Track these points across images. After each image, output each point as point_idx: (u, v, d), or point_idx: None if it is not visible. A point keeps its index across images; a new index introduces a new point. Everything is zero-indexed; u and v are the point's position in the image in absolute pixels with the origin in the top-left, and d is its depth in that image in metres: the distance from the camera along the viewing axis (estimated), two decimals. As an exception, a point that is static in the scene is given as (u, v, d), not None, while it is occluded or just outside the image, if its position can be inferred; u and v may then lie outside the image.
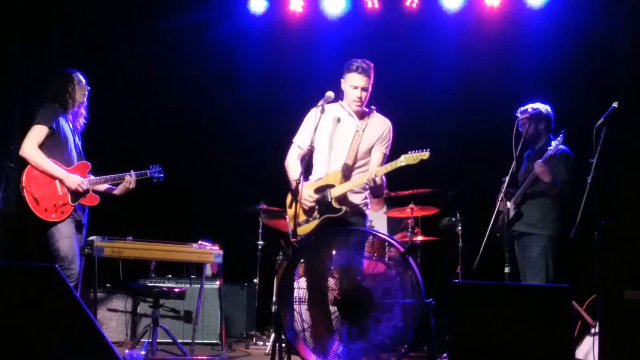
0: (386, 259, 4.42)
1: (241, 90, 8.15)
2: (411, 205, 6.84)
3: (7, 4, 7.06)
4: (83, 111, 5.68)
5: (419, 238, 6.93)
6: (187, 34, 8.01)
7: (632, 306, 3.51)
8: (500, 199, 5.69)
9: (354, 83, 5.04)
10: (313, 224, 4.96)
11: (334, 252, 4.52)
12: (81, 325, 3.40)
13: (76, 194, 5.45)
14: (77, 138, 5.64)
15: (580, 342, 5.30)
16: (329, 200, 4.94)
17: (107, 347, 3.39)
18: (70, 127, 5.58)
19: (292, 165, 5.14)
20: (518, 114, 5.87)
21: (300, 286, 4.54)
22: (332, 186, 4.95)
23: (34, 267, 3.55)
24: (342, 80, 5.11)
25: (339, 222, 4.94)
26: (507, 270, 5.40)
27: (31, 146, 5.36)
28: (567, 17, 7.37)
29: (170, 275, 7.28)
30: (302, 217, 4.83)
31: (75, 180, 5.43)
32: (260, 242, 7.28)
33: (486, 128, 7.26)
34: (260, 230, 7.28)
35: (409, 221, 6.89)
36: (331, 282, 4.49)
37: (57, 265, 3.53)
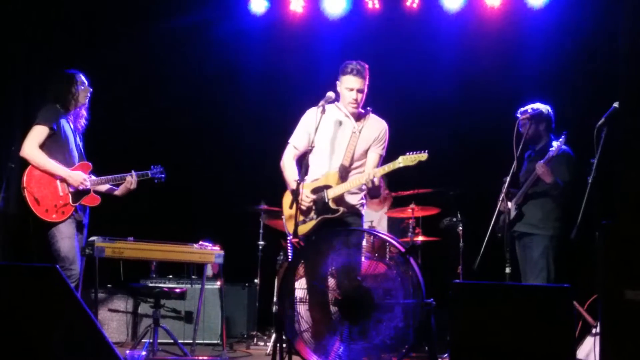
0: (387, 259, 4.42)
1: (242, 91, 8.15)
2: (412, 206, 6.84)
3: (8, 4, 7.06)
4: (84, 112, 5.68)
5: (420, 238, 6.94)
6: (188, 34, 8.01)
7: (633, 306, 3.51)
8: (501, 199, 5.69)
9: (350, 85, 5.05)
10: (310, 224, 4.98)
11: (334, 252, 4.51)
12: (82, 326, 3.40)
13: (77, 195, 5.45)
14: (78, 139, 5.64)
15: (581, 342, 5.30)
16: (326, 200, 4.95)
17: (108, 347, 3.39)
18: (72, 127, 5.58)
19: (289, 166, 5.15)
20: (518, 115, 5.86)
21: (301, 286, 4.54)
22: (329, 187, 4.97)
23: (35, 267, 3.55)
24: (337, 82, 5.12)
25: (336, 222, 4.95)
26: (508, 270, 5.40)
27: (32, 146, 5.36)
28: (568, 17, 7.37)
29: (171, 276, 7.29)
30: (299, 218, 4.83)
31: (78, 177, 5.42)
32: (261, 243, 7.29)
33: (487, 128, 7.26)
34: (261, 231, 7.29)
35: (410, 221, 6.89)
36: (332, 282, 4.49)
37: (57, 266, 3.53)
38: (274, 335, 6.26)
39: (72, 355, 3.38)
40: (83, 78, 5.64)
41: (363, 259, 4.59)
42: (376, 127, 5.16)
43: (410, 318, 4.26)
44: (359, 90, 5.06)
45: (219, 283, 7.03)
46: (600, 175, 4.85)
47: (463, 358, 3.87)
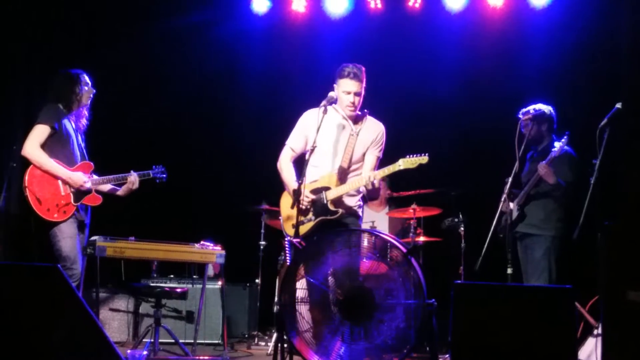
0: (388, 259, 4.41)
1: (243, 90, 8.15)
2: (413, 206, 6.84)
3: (8, 4, 7.06)
4: (85, 112, 5.68)
5: (422, 239, 6.93)
6: (189, 34, 8.01)
7: (635, 307, 3.51)
8: (503, 199, 5.68)
9: (347, 89, 5.06)
10: (309, 225, 5.01)
11: (335, 252, 4.51)
12: (83, 325, 3.40)
13: (79, 194, 5.44)
14: (80, 138, 5.64)
15: (582, 343, 5.28)
16: (325, 202, 4.97)
17: (109, 347, 3.39)
18: (73, 127, 5.58)
19: (286, 168, 5.19)
20: (520, 115, 5.86)
21: (302, 286, 4.54)
22: (327, 188, 4.99)
23: (36, 267, 3.55)
24: (334, 85, 5.13)
25: (335, 224, 4.98)
26: (509, 271, 5.39)
27: (33, 146, 5.35)
28: (570, 17, 7.36)
29: (172, 276, 7.28)
30: (298, 219, 4.84)
31: (78, 179, 5.42)
32: (262, 243, 7.29)
33: (489, 128, 7.25)
34: (262, 231, 7.29)
35: (412, 222, 6.89)
36: (333, 282, 4.49)
37: (59, 265, 3.53)
38: (275, 335, 6.26)
39: (73, 355, 3.38)
40: (87, 79, 5.64)
41: (364, 259, 4.58)
42: (374, 130, 5.18)
43: (412, 318, 4.26)
44: (357, 94, 5.08)
45: (220, 283, 7.02)
46: (602, 176, 4.84)
47: (464, 358, 3.87)
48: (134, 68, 7.85)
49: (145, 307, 6.92)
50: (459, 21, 7.82)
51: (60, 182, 5.39)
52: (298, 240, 4.63)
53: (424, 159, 4.82)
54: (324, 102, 4.94)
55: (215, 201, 8.00)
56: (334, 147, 5.08)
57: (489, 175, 6.33)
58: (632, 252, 3.61)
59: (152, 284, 6.86)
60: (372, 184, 4.90)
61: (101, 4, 7.74)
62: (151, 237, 5.97)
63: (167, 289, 6.25)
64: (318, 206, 5.00)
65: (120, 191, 5.74)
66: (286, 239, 5.24)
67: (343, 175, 5.06)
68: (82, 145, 5.66)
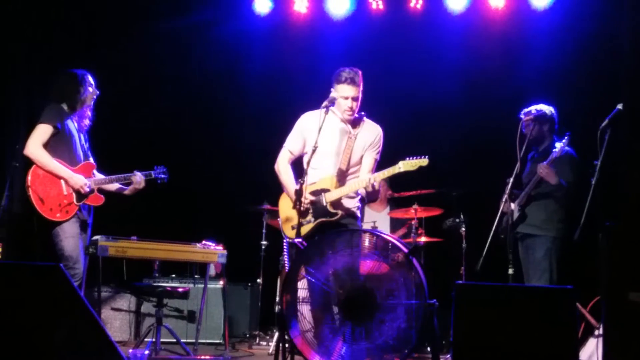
0: (390, 259, 4.41)
1: (245, 90, 8.16)
2: (415, 206, 6.84)
3: (9, 4, 7.07)
4: (89, 113, 5.68)
5: (423, 239, 6.93)
6: (191, 34, 8.02)
7: (636, 308, 3.51)
8: (504, 200, 5.69)
9: (345, 94, 5.09)
10: (308, 227, 5.04)
11: (337, 252, 4.52)
12: (85, 325, 3.40)
13: (81, 194, 5.45)
14: (83, 138, 5.65)
15: (583, 344, 5.29)
16: (324, 204, 4.99)
17: (111, 346, 3.40)
18: (76, 126, 5.58)
19: (284, 170, 5.23)
20: (522, 116, 5.87)
21: (304, 286, 4.54)
22: (327, 190, 5.02)
23: (39, 266, 3.56)
24: (332, 89, 5.15)
25: (334, 225, 5.02)
26: (510, 271, 5.40)
27: (35, 145, 5.36)
28: (572, 18, 7.36)
29: (174, 275, 7.30)
30: (296, 221, 4.86)
31: (79, 180, 5.43)
32: (264, 242, 7.30)
33: (490, 129, 7.25)
34: (263, 231, 7.30)
35: (413, 222, 6.89)
36: (334, 282, 4.49)
37: (61, 265, 3.54)
38: (276, 335, 6.27)
39: (75, 354, 3.38)
40: (91, 79, 5.65)
41: (366, 259, 4.59)
42: (371, 132, 5.22)
43: (413, 319, 4.26)
44: (354, 98, 5.11)
45: (221, 282, 7.03)
46: (603, 177, 4.84)
47: (466, 359, 3.87)
48: (135, 68, 7.85)
49: (147, 307, 6.93)
50: (461, 22, 7.82)
51: (62, 181, 5.40)
52: (300, 240, 4.64)
53: (424, 161, 4.84)
54: (325, 103, 4.98)
55: (216, 201, 8.01)
56: (332, 149, 5.12)
57: (490, 176, 6.33)
58: (634, 253, 3.62)
59: (153, 284, 6.85)
60: (372, 186, 4.93)
61: (102, 4, 7.75)
62: (153, 237, 5.97)
63: (168, 288, 6.26)
64: (317, 208, 5.03)
65: (127, 191, 5.77)
66: (285, 240, 5.26)
67: (342, 177, 5.10)
68: (85, 145, 5.67)
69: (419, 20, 7.97)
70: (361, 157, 5.17)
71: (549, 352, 3.78)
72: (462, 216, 6.90)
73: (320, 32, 8.14)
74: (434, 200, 6.99)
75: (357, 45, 7.88)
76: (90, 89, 5.63)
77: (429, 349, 6.22)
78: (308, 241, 4.78)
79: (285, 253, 5.36)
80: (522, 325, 3.84)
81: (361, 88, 5.13)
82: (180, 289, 6.24)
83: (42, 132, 5.38)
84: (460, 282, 6.17)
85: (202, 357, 6.09)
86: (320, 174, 5.10)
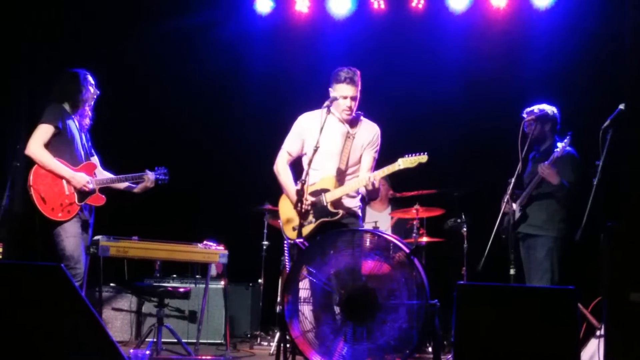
0: (391, 260, 4.41)
1: (246, 90, 8.15)
2: (416, 207, 6.84)
3: (12, 5, 7.07)
4: (89, 112, 5.69)
5: (424, 239, 6.93)
6: (193, 34, 8.01)
7: (638, 308, 3.50)
8: (506, 200, 5.69)
9: (343, 93, 5.10)
10: (309, 227, 5.05)
11: (338, 252, 4.51)
12: (86, 325, 3.40)
13: (83, 194, 5.46)
14: (84, 138, 5.66)
15: (585, 344, 5.28)
16: (325, 204, 4.99)
17: (112, 346, 3.39)
18: (77, 126, 5.59)
19: (283, 172, 5.25)
20: (524, 115, 5.87)
21: (305, 287, 4.54)
22: (327, 190, 5.02)
23: (40, 266, 3.55)
24: (330, 89, 5.16)
25: (335, 225, 5.02)
26: (512, 271, 5.39)
27: (37, 145, 5.37)
28: (574, 18, 7.35)
29: (175, 275, 7.30)
30: (297, 222, 4.86)
31: (80, 179, 5.43)
32: (265, 243, 7.29)
33: (492, 129, 7.25)
34: (265, 231, 7.29)
35: (414, 222, 6.88)
36: (336, 282, 4.49)
37: (62, 265, 3.54)
38: (277, 335, 6.27)
39: (77, 354, 3.38)
40: (91, 79, 5.66)
41: (367, 259, 4.58)
42: (369, 131, 5.23)
43: (415, 319, 4.25)
44: (353, 98, 5.13)
45: (222, 283, 7.03)
46: (605, 177, 4.84)
47: (467, 359, 3.87)
48: (136, 68, 7.85)
49: (148, 307, 6.92)
50: (462, 22, 7.81)
51: (64, 181, 5.40)
52: (301, 240, 4.64)
53: (423, 157, 4.85)
54: (327, 103, 5.00)
55: (218, 201, 8.01)
56: (332, 149, 5.12)
57: (492, 176, 6.33)
58: (635, 253, 3.61)
59: (155, 284, 6.86)
60: (372, 184, 4.93)
61: (103, 4, 7.74)
62: (154, 237, 5.97)
63: (170, 288, 6.26)
64: (318, 208, 5.04)
65: (137, 189, 5.81)
66: (285, 241, 5.26)
67: (341, 177, 5.11)
68: (87, 144, 5.68)
69: (421, 20, 7.97)
70: (360, 157, 5.19)
71: (551, 352, 3.78)
72: (463, 216, 6.90)
73: (322, 31, 8.14)
74: (435, 200, 6.99)
75: (358, 45, 7.88)
76: (91, 89, 5.65)
77: (430, 349, 6.22)
78: (309, 241, 4.78)
79: (286, 254, 5.36)
80: (523, 326, 3.84)
81: (359, 88, 5.14)
82: (181, 289, 6.24)
83: (44, 131, 5.39)
84: (461, 282, 6.16)
85: (203, 357, 6.08)
86: (320, 175, 5.11)
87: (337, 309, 4.43)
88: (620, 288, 3.59)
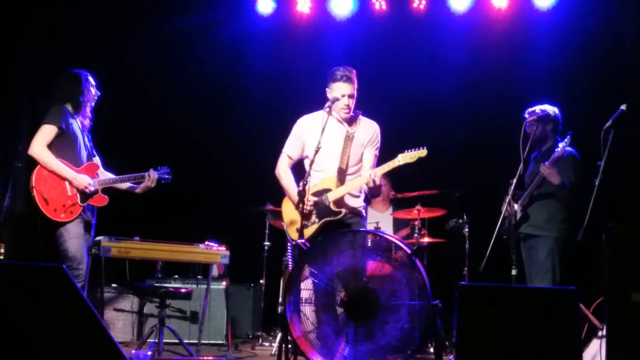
0: (393, 260, 4.41)
1: (248, 91, 8.15)
2: (418, 207, 6.84)
3: (14, 5, 7.08)
4: (89, 113, 5.69)
5: (426, 240, 6.93)
6: (194, 34, 8.01)
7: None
8: (507, 201, 5.69)
9: (341, 91, 5.12)
10: (313, 228, 5.05)
11: (340, 253, 4.52)
12: (88, 326, 3.40)
13: (85, 194, 5.46)
14: (86, 138, 5.66)
15: (587, 345, 5.28)
16: (327, 203, 5.00)
17: (114, 347, 3.39)
18: (80, 127, 5.60)
19: (285, 175, 5.27)
20: (526, 115, 5.87)
21: (307, 287, 4.54)
22: (328, 190, 5.02)
23: (41, 267, 3.55)
24: (327, 89, 5.17)
25: (339, 224, 5.02)
26: (514, 272, 5.40)
27: (40, 145, 5.37)
28: (575, 18, 7.35)
29: (176, 276, 7.29)
30: (300, 224, 4.86)
31: (83, 180, 5.44)
32: (267, 243, 7.29)
33: (493, 129, 7.25)
34: (266, 231, 7.29)
35: (416, 223, 6.88)
36: (337, 283, 4.49)
37: (64, 266, 3.54)
38: (279, 336, 6.26)
39: (78, 355, 3.38)
40: (92, 80, 5.67)
41: (369, 260, 4.59)
42: (369, 129, 5.24)
43: (416, 319, 4.25)
44: (350, 96, 5.13)
45: (224, 283, 7.02)
46: (607, 178, 4.84)
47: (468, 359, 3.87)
48: (137, 68, 7.85)
49: (149, 308, 6.92)
50: (464, 22, 7.81)
51: (67, 182, 5.41)
52: (303, 241, 4.64)
53: (422, 152, 4.86)
54: (328, 104, 5.01)
55: (219, 202, 8.01)
56: (333, 149, 5.12)
57: (494, 176, 6.33)
58: (637, 254, 3.62)
59: (156, 284, 6.86)
60: (373, 181, 4.93)
61: (104, 4, 7.75)
62: (156, 238, 5.97)
63: (171, 289, 6.26)
64: (320, 208, 5.04)
65: (139, 189, 5.80)
66: (289, 243, 5.26)
67: (342, 176, 5.12)
68: (89, 145, 5.69)
69: (422, 20, 7.96)
70: (361, 155, 5.19)
71: (552, 353, 3.78)
72: (465, 217, 6.90)
73: (323, 32, 8.13)
74: (437, 200, 6.99)
75: (359, 46, 7.88)
76: (93, 90, 5.66)
77: (431, 349, 6.22)
78: (311, 242, 4.79)
79: (289, 255, 5.36)
80: (525, 326, 3.84)
81: (356, 86, 5.15)
82: (183, 290, 6.24)
83: (47, 132, 5.39)
84: (463, 283, 6.17)
85: (205, 358, 6.08)
86: (321, 175, 5.12)
87: (338, 310, 4.44)
88: (622, 288, 3.59)
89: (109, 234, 5.74)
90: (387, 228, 7.25)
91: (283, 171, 5.27)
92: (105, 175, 5.71)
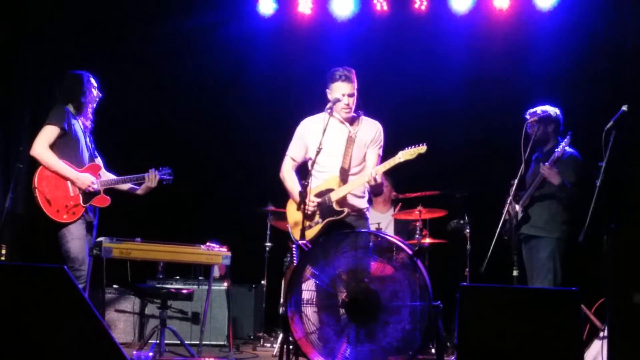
0: (394, 261, 4.41)
1: (249, 91, 8.15)
2: (419, 208, 6.84)
3: (17, 6, 7.08)
4: (90, 114, 5.70)
5: (427, 240, 6.93)
6: (195, 35, 8.01)
7: (641, 310, 3.50)
8: (508, 202, 5.69)
9: (341, 91, 5.12)
10: (317, 228, 5.04)
11: (341, 254, 4.52)
12: (89, 327, 3.40)
13: (88, 195, 5.46)
14: (88, 139, 5.67)
15: (588, 346, 5.27)
16: (330, 203, 5.00)
17: (115, 348, 3.40)
18: (82, 127, 5.60)
19: (289, 177, 5.26)
20: (527, 116, 5.87)
21: (308, 288, 4.54)
22: (331, 190, 5.02)
23: (43, 268, 3.55)
24: (327, 90, 5.18)
25: (342, 224, 5.01)
26: (515, 273, 5.39)
27: (42, 146, 5.37)
28: (577, 19, 7.34)
29: (178, 277, 7.29)
30: (305, 224, 4.87)
31: (85, 180, 5.44)
32: (268, 244, 7.29)
33: (495, 130, 7.25)
34: (268, 232, 7.30)
35: (417, 223, 6.88)
36: (339, 284, 4.49)
37: (65, 267, 3.54)
38: (280, 337, 6.27)
39: (79, 356, 3.38)
40: (94, 81, 5.68)
41: (370, 261, 4.59)
42: (371, 129, 5.23)
43: (418, 320, 4.25)
44: (350, 95, 5.13)
45: (225, 284, 7.03)
46: (608, 179, 4.84)
47: (470, 361, 3.87)
48: (139, 69, 7.85)
49: (151, 308, 6.92)
50: (465, 23, 7.81)
51: (69, 183, 5.41)
52: (304, 242, 4.64)
53: (422, 148, 4.87)
54: (329, 104, 5.01)
55: (221, 202, 8.01)
56: (335, 150, 5.12)
57: (495, 177, 6.32)
58: (638, 255, 3.61)
59: (158, 285, 6.87)
60: (374, 179, 4.93)
61: (106, 5, 7.75)
62: (157, 239, 5.98)
63: (173, 290, 6.26)
64: (324, 208, 5.04)
65: (140, 190, 5.80)
66: (294, 244, 5.26)
67: (345, 176, 5.11)
68: (91, 146, 5.69)
69: (423, 21, 7.96)
70: (364, 155, 5.18)
71: (554, 354, 3.78)
72: (466, 218, 6.89)
73: (324, 33, 8.13)
74: (438, 201, 6.99)
75: (361, 47, 7.88)
76: (94, 91, 5.67)
77: (433, 350, 6.22)
78: (312, 242, 4.79)
79: (294, 257, 5.36)
80: (526, 327, 3.83)
81: (356, 85, 5.15)
82: (184, 291, 6.24)
83: (49, 132, 5.40)
84: (464, 283, 6.17)
85: (206, 358, 6.09)
86: (325, 177, 5.12)
87: (340, 311, 4.44)
88: (624, 289, 3.58)
89: (111, 235, 5.75)
90: (388, 229, 7.25)
91: (287, 173, 5.28)
92: (107, 176, 5.72)
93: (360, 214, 5.16)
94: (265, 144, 7.81)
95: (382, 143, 5.25)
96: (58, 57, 7.31)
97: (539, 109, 5.88)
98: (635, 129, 5.20)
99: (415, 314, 4.27)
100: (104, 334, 3.42)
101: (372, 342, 4.32)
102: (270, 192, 7.02)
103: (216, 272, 7.05)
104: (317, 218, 5.05)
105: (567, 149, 5.70)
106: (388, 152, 5.26)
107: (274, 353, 6.56)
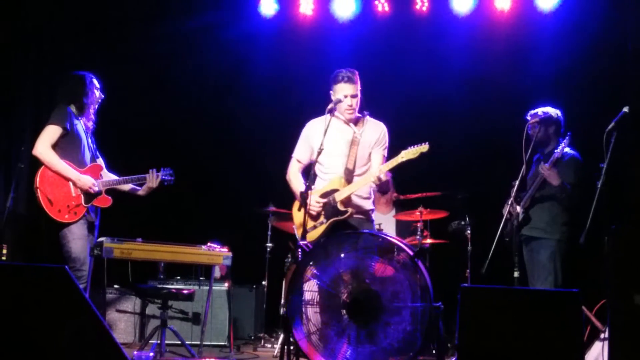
0: (395, 262, 4.41)
1: (251, 92, 8.16)
2: (420, 209, 6.83)
3: (17, 6, 7.09)
4: (93, 115, 5.70)
5: (428, 241, 6.92)
6: (197, 36, 8.02)
7: (642, 311, 3.50)
8: (509, 203, 5.69)
9: (344, 92, 5.13)
10: (321, 228, 5.05)
11: (343, 255, 4.52)
12: (90, 327, 3.40)
13: (89, 195, 5.47)
14: (90, 140, 5.67)
15: (589, 347, 5.27)
16: (335, 204, 5.00)
17: (116, 348, 3.40)
18: (84, 128, 5.61)
19: (295, 179, 5.27)
20: (528, 118, 5.87)
21: (309, 289, 4.54)
22: (336, 190, 5.02)
23: (44, 268, 3.56)
24: (330, 92, 5.19)
25: (346, 225, 5.01)
26: (516, 274, 5.39)
27: (44, 146, 5.38)
28: (578, 20, 7.34)
29: (179, 277, 7.29)
30: (309, 224, 4.88)
31: (87, 181, 5.45)
32: (269, 244, 7.30)
33: (496, 131, 7.25)
34: (269, 233, 7.30)
35: (418, 224, 6.88)
36: (340, 285, 4.49)
37: (66, 267, 3.54)
38: (281, 337, 6.27)
39: (80, 356, 3.38)
40: (96, 82, 5.68)
41: (371, 261, 4.59)
42: (375, 130, 5.24)
43: (418, 321, 4.25)
44: (353, 96, 5.14)
45: (226, 284, 7.03)
46: (609, 180, 4.84)
47: (471, 362, 3.87)
48: (140, 70, 7.86)
49: (151, 309, 6.92)
50: (466, 24, 7.81)
51: (71, 183, 5.42)
52: (305, 242, 4.65)
53: (424, 147, 4.87)
54: (331, 105, 5.01)
55: (222, 203, 8.02)
56: (339, 151, 5.13)
57: (496, 178, 6.32)
58: (639, 256, 3.61)
59: (158, 286, 6.87)
60: (379, 178, 4.94)
61: (107, 5, 7.76)
62: (158, 239, 5.98)
63: (173, 290, 6.26)
64: (328, 209, 5.05)
65: (141, 190, 5.80)
66: (299, 243, 5.26)
67: (350, 177, 5.12)
68: (93, 146, 5.69)
69: (425, 22, 7.96)
70: (369, 155, 5.19)
71: (555, 355, 3.77)
72: (467, 219, 6.90)
73: (326, 34, 8.14)
74: (439, 202, 6.98)
75: (362, 47, 7.88)
76: (97, 92, 5.68)
77: (434, 351, 6.22)
78: (314, 243, 4.79)
79: (299, 257, 5.36)
80: (527, 329, 3.83)
81: (359, 86, 5.16)
82: (185, 291, 6.24)
83: (51, 132, 5.41)
84: (465, 284, 6.16)
85: (207, 359, 6.09)
86: (329, 177, 5.13)
87: (341, 311, 4.44)
88: (625, 291, 3.58)
89: (112, 235, 5.75)
90: (389, 230, 7.25)
91: (293, 175, 5.29)
92: (108, 176, 5.72)
93: (366, 216, 5.16)
94: (266, 145, 7.82)
95: (387, 144, 5.25)
96: (58, 57, 7.31)
97: (540, 110, 5.88)
98: (636, 130, 5.20)
99: (416, 315, 4.27)
100: (105, 334, 3.42)
101: (372, 343, 4.32)
102: (271, 192, 7.04)
103: (217, 273, 7.05)
104: (321, 218, 5.06)
105: (567, 150, 5.71)
106: (390, 152, 5.27)
107: (275, 354, 6.56)
